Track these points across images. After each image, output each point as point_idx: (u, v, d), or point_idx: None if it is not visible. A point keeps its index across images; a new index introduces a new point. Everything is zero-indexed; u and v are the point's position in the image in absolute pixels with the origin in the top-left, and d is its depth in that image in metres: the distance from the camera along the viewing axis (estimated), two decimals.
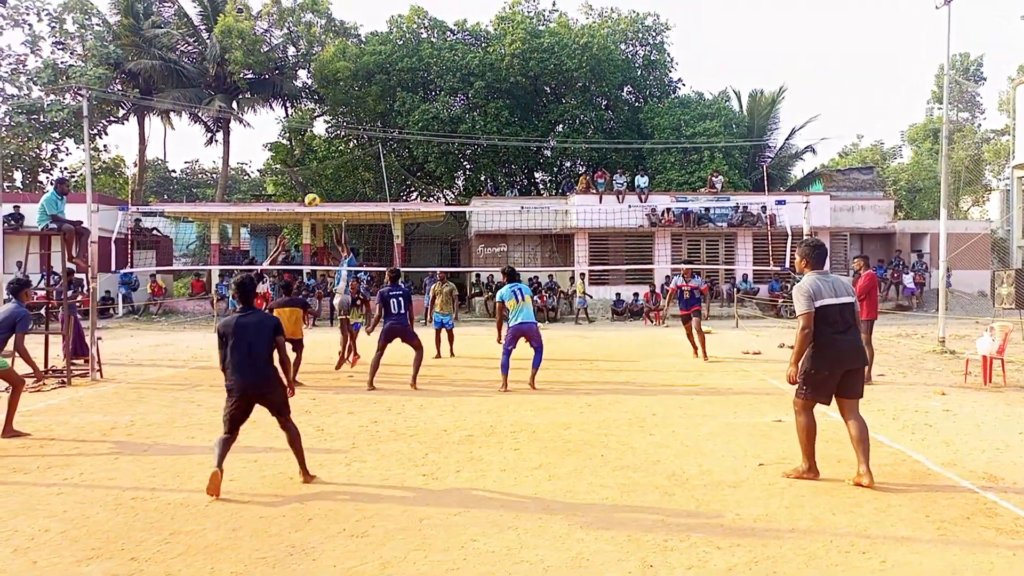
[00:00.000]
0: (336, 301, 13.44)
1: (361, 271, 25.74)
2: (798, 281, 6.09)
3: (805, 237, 5.57)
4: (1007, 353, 11.23)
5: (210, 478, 5.54)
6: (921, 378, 11.57)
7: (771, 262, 24.07)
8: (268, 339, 5.84)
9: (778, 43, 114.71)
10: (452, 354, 14.31)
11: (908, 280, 28.81)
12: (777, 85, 53.52)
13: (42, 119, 33.58)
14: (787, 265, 17.62)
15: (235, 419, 5.84)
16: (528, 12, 36.34)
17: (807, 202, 15.12)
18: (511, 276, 10.86)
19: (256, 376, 5.76)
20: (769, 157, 37.49)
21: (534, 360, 10.59)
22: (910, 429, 7.85)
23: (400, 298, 10.70)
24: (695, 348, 14.11)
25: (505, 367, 10.47)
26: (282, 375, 6.01)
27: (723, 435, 7.60)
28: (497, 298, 10.70)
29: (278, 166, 39.59)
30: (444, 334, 14.43)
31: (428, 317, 16.45)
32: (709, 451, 6.95)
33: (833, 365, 5.79)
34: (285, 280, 12.42)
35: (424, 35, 35.89)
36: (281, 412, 5.96)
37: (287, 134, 38.99)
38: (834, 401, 6.00)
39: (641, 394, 10.14)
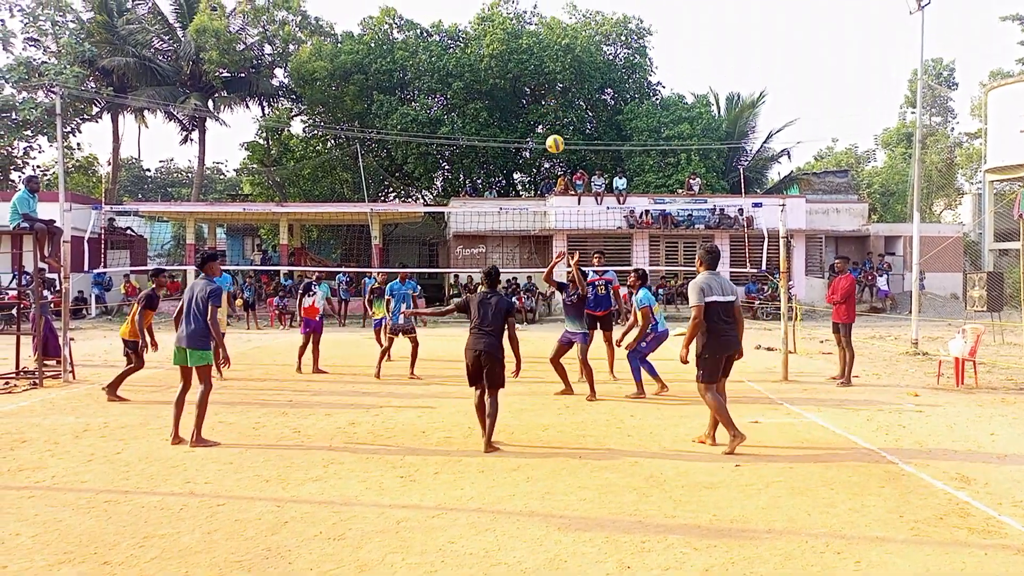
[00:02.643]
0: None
1: (342, 272, 25.60)
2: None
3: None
4: (978, 355, 11.39)
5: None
6: (895, 379, 11.71)
7: (747, 264, 24.23)
8: (500, 317, 7.02)
9: (755, 48, 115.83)
10: None
11: (882, 283, 29.13)
12: (755, 89, 53.91)
13: (14, 117, 33.03)
14: (763, 267, 17.73)
15: (472, 374, 7.07)
16: (508, 13, 36.27)
17: (783, 205, 15.21)
18: (645, 279, 10.31)
19: (484, 343, 6.92)
20: (746, 160, 37.71)
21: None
22: (884, 430, 7.94)
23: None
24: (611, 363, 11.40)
25: (653, 371, 10.14)
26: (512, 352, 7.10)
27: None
28: (645, 302, 9.91)
29: (255, 165, 39.22)
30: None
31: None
32: (686, 452, 6.99)
33: (720, 350, 6.91)
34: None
35: (398, 36, 35.74)
36: (491, 384, 6.98)
37: (264, 133, 38.64)
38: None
39: (619, 396, 10.15)
